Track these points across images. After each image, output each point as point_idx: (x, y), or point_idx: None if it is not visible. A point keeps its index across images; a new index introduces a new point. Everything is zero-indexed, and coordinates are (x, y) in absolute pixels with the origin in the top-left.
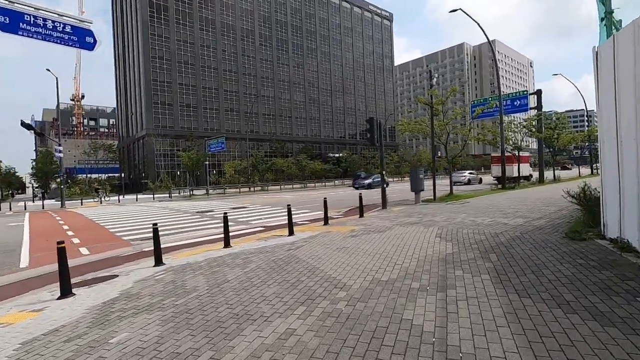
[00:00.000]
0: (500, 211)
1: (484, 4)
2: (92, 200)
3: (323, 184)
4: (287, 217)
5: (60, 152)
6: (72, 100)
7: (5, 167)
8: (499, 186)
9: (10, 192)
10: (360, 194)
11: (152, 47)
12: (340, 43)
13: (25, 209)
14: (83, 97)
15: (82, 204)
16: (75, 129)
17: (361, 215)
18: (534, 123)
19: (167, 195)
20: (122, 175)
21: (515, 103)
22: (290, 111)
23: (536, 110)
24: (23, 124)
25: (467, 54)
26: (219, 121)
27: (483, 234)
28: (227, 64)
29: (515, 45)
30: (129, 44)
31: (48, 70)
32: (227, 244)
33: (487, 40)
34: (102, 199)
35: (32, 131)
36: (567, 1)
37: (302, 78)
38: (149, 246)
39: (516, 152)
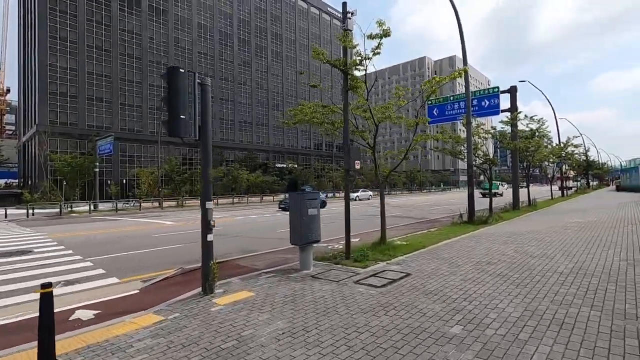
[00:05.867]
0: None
1: (441, 23)
2: None
3: (260, 199)
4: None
5: None
6: None
7: None
8: (463, 220)
9: None
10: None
11: (52, 25)
12: (295, 44)
13: None
14: (9, 91)
15: None
16: None
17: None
18: (506, 131)
19: (27, 212)
20: (21, 181)
21: (483, 103)
22: (233, 114)
23: (510, 114)
24: None
25: (427, 68)
26: (142, 121)
27: None
28: (154, 54)
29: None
30: (29, 21)
31: None
32: None
33: (461, 54)
34: None
35: None
36: (518, 27)
37: (249, 78)
38: None
39: (487, 168)
